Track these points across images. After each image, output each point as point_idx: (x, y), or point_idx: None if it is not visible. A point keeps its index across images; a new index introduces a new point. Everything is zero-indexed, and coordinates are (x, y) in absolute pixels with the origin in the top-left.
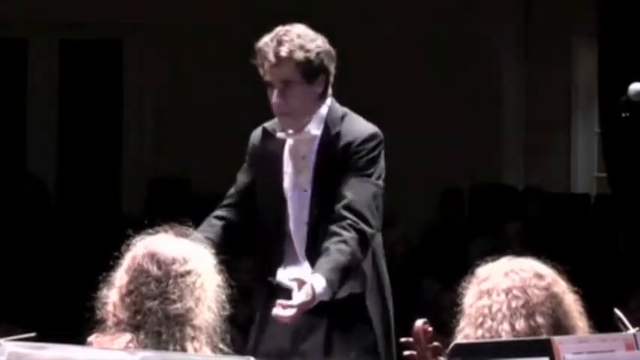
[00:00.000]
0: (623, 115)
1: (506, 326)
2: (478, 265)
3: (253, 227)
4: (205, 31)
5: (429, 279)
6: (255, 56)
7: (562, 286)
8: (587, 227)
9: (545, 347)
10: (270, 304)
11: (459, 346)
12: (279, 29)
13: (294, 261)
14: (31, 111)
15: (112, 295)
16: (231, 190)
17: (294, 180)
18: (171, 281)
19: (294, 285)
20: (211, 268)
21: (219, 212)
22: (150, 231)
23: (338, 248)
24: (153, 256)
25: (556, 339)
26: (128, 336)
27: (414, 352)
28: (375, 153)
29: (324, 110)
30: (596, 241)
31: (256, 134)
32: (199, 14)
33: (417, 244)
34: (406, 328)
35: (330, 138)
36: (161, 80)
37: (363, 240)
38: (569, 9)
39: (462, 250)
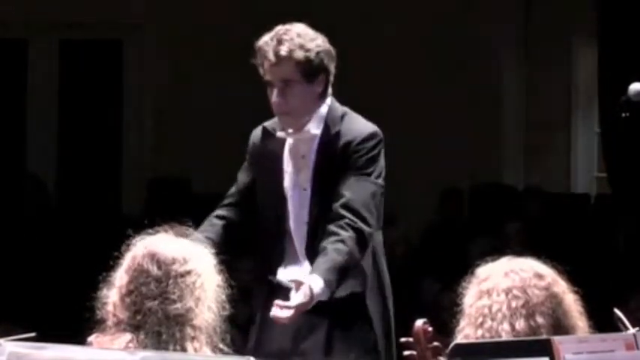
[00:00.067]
0: (623, 115)
1: (506, 326)
2: (478, 265)
3: (254, 226)
4: (205, 31)
5: (429, 279)
6: (255, 55)
7: (562, 286)
8: (587, 227)
9: (545, 347)
10: (271, 304)
11: (459, 346)
12: (279, 28)
13: (295, 260)
14: (31, 111)
15: (112, 295)
16: (232, 190)
17: (294, 179)
18: (171, 281)
19: (292, 285)
20: (211, 268)
21: (219, 212)
22: (150, 231)
23: (335, 248)
24: (153, 256)
25: (556, 339)
26: (128, 336)
27: (414, 352)
28: (375, 152)
29: (323, 109)
30: (596, 241)
31: (256, 133)
32: (199, 14)
33: (417, 244)
34: (406, 328)
35: (329, 137)
36: (161, 80)
37: (361, 239)
38: (569, 9)
39: (462, 250)
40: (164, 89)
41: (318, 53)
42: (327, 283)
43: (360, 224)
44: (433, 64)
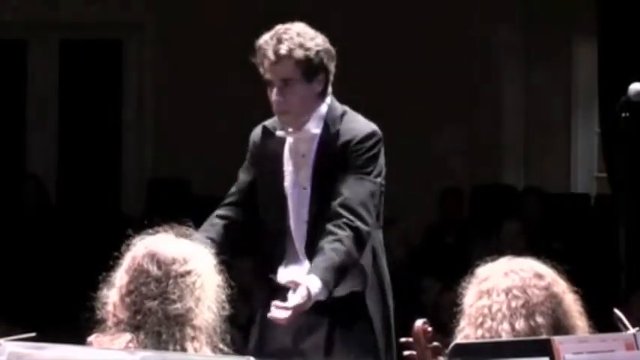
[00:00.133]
0: (623, 115)
1: (506, 326)
2: (478, 265)
3: (254, 226)
4: (205, 31)
5: (429, 279)
6: (254, 55)
7: (562, 286)
8: (587, 227)
9: (545, 347)
10: (271, 304)
11: (459, 346)
12: (279, 27)
13: (295, 259)
14: (31, 111)
15: (112, 295)
16: (233, 189)
17: (294, 178)
18: (171, 281)
19: (291, 285)
20: (211, 268)
21: (220, 211)
22: (150, 231)
23: (333, 247)
24: (153, 256)
25: (556, 339)
26: (128, 336)
27: (414, 352)
28: (374, 151)
29: (323, 109)
30: (596, 241)
31: (256, 132)
32: (199, 14)
33: (417, 244)
34: (406, 328)
35: (329, 136)
36: (161, 80)
37: (359, 238)
38: (569, 9)
39: (462, 250)
40: (164, 89)
41: (317, 52)
42: (324, 283)
43: (358, 223)
44: (433, 64)
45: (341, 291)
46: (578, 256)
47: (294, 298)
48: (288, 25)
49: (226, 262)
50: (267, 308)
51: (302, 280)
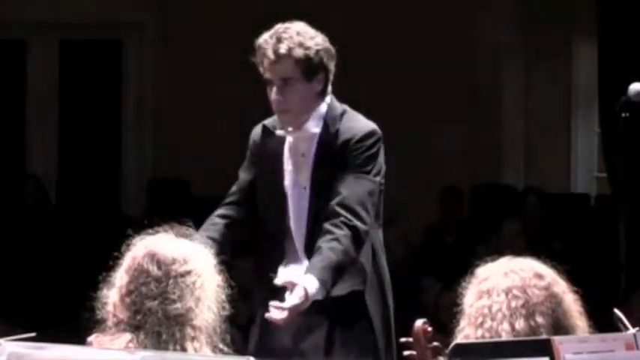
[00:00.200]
0: (623, 115)
1: (506, 326)
2: (478, 265)
3: (255, 225)
4: (205, 31)
5: (429, 279)
6: (254, 54)
7: (562, 286)
8: (587, 227)
9: (545, 347)
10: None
11: (459, 346)
12: (279, 26)
13: (295, 259)
14: (31, 111)
15: (112, 295)
16: (233, 188)
17: (294, 177)
18: (171, 281)
19: (288, 286)
20: (211, 268)
21: (221, 211)
22: (150, 231)
23: (330, 246)
24: (153, 256)
25: (556, 339)
26: (128, 336)
27: (414, 352)
28: (374, 150)
29: (323, 108)
30: (596, 241)
31: (256, 131)
32: (199, 14)
33: (417, 244)
34: (406, 328)
35: (329, 135)
36: (161, 80)
37: (357, 237)
38: (569, 9)
39: (462, 250)
40: (164, 89)
41: (317, 51)
42: (322, 282)
43: (356, 222)
44: (433, 64)
45: (341, 290)
46: (578, 256)
47: (291, 299)
48: (287, 24)
49: (226, 262)
50: (267, 308)
51: (299, 280)
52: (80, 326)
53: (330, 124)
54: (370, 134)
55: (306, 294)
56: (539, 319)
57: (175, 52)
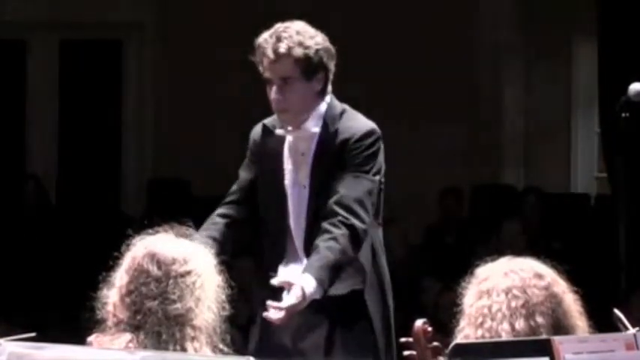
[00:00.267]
0: (623, 115)
1: (506, 326)
2: (478, 265)
3: (255, 224)
4: (205, 31)
5: (429, 279)
6: (254, 53)
7: (562, 286)
8: (587, 227)
9: (545, 347)
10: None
11: (459, 346)
12: (279, 26)
13: (295, 258)
14: (31, 111)
15: (112, 295)
16: (234, 187)
17: (293, 176)
18: (171, 281)
19: (285, 286)
20: (211, 268)
21: (221, 210)
22: (150, 231)
23: (328, 246)
24: (153, 256)
25: (556, 339)
26: (128, 336)
27: (414, 352)
28: (373, 149)
29: (323, 107)
30: (596, 241)
31: (256, 131)
32: (199, 14)
33: (417, 244)
34: (406, 328)
35: (328, 135)
36: (161, 80)
37: (354, 236)
38: (569, 9)
39: (462, 250)
40: (164, 89)
41: (317, 51)
42: (319, 282)
43: (354, 220)
44: (433, 64)
45: (341, 289)
46: (578, 256)
47: (289, 299)
48: (287, 24)
49: (226, 262)
50: (267, 308)
51: (296, 280)
52: (80, 326)
53: (329, 123)
54: (369, 133)
55: (304, 293)
56: (539, 319)
57: (175, 52)
